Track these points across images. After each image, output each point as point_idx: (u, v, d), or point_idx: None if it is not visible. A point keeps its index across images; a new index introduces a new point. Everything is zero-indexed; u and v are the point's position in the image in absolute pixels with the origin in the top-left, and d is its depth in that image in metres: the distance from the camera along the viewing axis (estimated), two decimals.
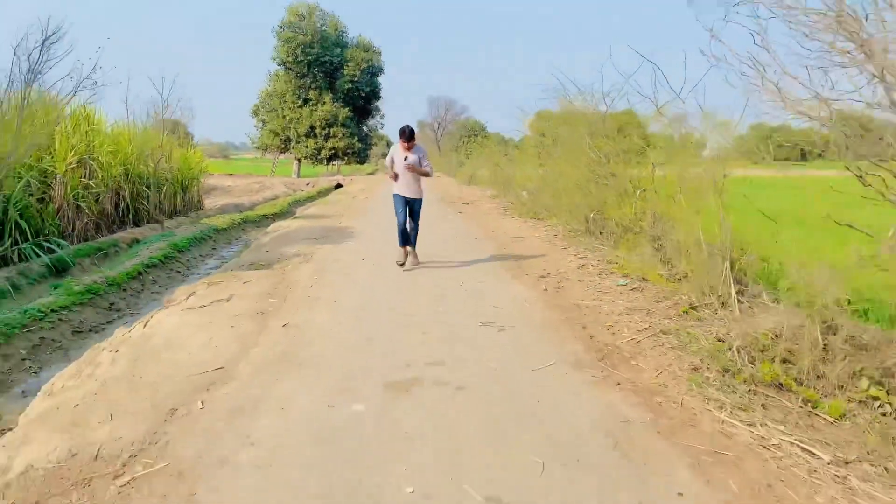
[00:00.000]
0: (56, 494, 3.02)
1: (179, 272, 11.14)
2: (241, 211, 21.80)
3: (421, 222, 8.88)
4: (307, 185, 35.98)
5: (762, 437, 3.65)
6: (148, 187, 17.21)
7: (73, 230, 12.85)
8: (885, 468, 3.35)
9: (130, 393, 4.13)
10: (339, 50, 42.27)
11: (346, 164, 47.93)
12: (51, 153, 12.20)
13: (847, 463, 3.42)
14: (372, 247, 10.37)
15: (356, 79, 42.68)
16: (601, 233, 10.25)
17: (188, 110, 22.67)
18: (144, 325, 5.59)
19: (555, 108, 14.06)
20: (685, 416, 3.92)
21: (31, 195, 10.97)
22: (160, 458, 3.31)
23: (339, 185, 35.13)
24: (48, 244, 10.38)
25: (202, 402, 3.97)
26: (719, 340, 5.01)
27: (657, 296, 6.40)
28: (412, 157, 8.23)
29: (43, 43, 8.94)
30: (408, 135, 8.21)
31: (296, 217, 17.29)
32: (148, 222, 16.69)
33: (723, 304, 5.76)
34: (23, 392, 5.60)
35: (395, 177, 8.37)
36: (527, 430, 3.66)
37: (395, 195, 8.49)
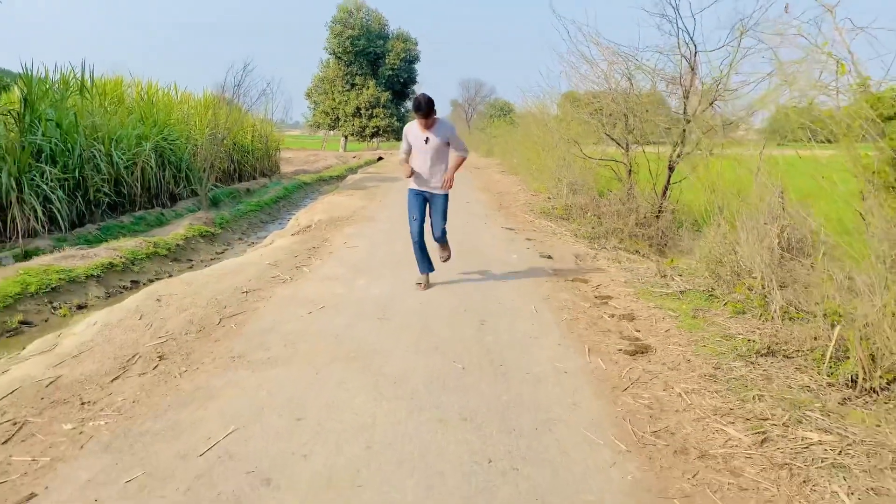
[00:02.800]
0: (314, 230, 9.86)
1: (294, 203, 18.13)
2: (309, 175, 28.79)
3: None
4: (353, 157, 42.84)
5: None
6: (247, 154, 24.15)
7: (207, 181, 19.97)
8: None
9: (338, 210, 10.99)
10: (381, 42, 48.88)
11: (385, 140, 54.53)
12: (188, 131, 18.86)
13: (577, 237, 10.01)
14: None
15: (396, 66, 49.28)
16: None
17: (265, 93, 29.32)
18: (320, 202, 12.62)
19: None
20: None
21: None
22: (350, 219, 10.14)
23: (380, 158, 42.09)
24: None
25: (355, 211, 10.84)
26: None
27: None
28: (434, 140, 6.05)
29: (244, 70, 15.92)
30: (425, 108, 5.83)
31: (355, 174, 24.32)
32: (251, 178, 23.66)
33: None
34: (250, 241, 12.59)
35: (411, 173, 6.19)
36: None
37: (410, 191, 6.39)
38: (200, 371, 4.17)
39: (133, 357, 4.41)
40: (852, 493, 2.72)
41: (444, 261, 6.88)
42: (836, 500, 2.70)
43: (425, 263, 6.49)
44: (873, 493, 2.70)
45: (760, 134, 8.16)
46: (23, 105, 11.30)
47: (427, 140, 6.00)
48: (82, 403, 3.70)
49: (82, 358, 4.38)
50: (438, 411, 3.58)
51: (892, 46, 4.42)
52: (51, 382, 3.96)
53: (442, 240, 6.54)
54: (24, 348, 5.00)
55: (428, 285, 6.53)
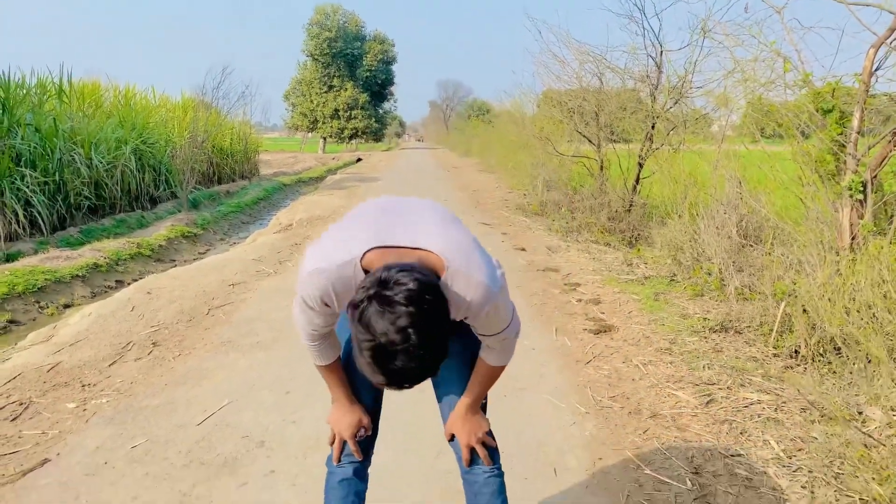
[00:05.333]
0: (297, 227, 10.12)
1: (274, 204, 18.35)
2: (288, 176, 28.97)
3: None
4: (333, 158, 43.00)
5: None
6: (226, 156, 24.28)
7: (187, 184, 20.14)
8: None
9: (318, 209, 11.25)
10: (358, 43, 49.11)
11: (363, 142, 54.70)
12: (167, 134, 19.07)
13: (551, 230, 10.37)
14: (394, 179, 17.58)
15: (373, 68, 49.54)
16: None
17: (243, 96, 29.41)
18: (299, 202, 12.86)
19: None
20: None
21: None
22: (331, 217, 10.43)
23: (359, 159, 42.30)
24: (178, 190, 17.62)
25: (335, 210, 11.13)
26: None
27: None
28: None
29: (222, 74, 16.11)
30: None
31: (335, 175, 24.56)
32: (230, 181, 23.81)
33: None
34: (232, 241, 12.83)
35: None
36: None
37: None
38: (193, 355, 4.45)
39: (128, 344, 4.67)
40: (780, 441, 3.08)
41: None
42: (767, 446, 3.06)
43: None
44: (800, 440, 3.06)
45: (737, 130, 8.55)
46: (1, 110, 11.45)
47: None
48: (83, 385, 3.97)
49: (79, 346, 4.64)
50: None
51: (839, 45, 4.81)
52: (51, 368, 4.22)
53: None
54: (16, 344, 5.24)
55: None
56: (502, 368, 1.85)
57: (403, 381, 1.38)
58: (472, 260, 1.57)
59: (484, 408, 1.99)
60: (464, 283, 1.54)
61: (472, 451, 1.88)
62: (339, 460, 1.94)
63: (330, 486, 1.94)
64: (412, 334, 1.30)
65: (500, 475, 1.91)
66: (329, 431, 1.96)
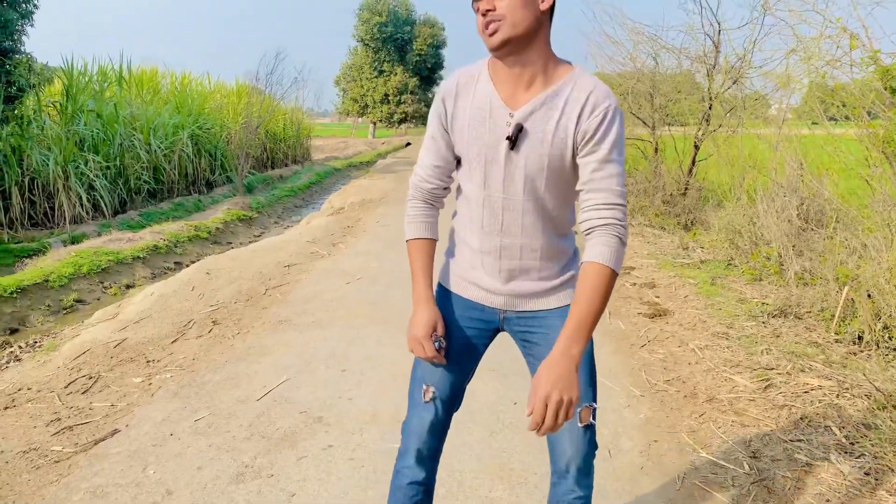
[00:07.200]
0: (351, 210, 10.25)
1: (326, 188, 18.58)
2: (339, 160, 29.28)
3: None
4: (382, 143, 43.33)
5: None
6: (279, 141, 24.62)
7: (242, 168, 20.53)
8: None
9: (369, 192, 11.38)
10: (408, 28, 49.07)
11: (413, 126, 54.76)
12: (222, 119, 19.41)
13: None
14: None
15: (423, 52, 49.47)
16: None
17: (296, 82, 29.79)
18: (350, 186, 13.02)
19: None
20: None
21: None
22: (381, 200, 10.51)
23: (408, 144, 42.49)
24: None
25: (385, 193, 11.21)
26: None
27: None
28: (539, 137, 1.55)
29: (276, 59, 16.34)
30: None
31: (385, 159, 24.74)
32: (283, 165, 24.16)
33: None
34: (286, 224, 13.04)
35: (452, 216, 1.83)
36: None
37: (438, 297, 1.83)
38: (251, 333, 4.57)
39: (189, 322, 4.82)
40: (843, 427, 3.00)
41: None
42: (829, 432, 2.98)
43: None
44: (863, 427, 2.98)
45: (796, 112, 8.29)
46: (65, 97, 11.85)
47: (515, 132, 1.56)
48: (147, 361, 4.11)
49: (143, 324, 4.80)
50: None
51: None
52: (117, 344, 4.38)
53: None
54: (83, 322, 5.45)
55: None
56: (614, 278, 1.52)
57: None
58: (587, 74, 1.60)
59: (593, 435, 1.69)
60: (591, 78, 1.56)
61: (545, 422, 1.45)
62: (429, 397, 1.74)
63: (397, 486, 1.79)
64: None
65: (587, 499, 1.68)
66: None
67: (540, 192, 1.61)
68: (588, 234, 1.57)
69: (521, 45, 1.51)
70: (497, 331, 1.81)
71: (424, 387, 1.75)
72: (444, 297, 1.81)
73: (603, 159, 1.52)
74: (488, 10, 1.48)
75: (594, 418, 1.66)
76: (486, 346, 1.83)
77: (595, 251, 1.52)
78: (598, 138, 1.51)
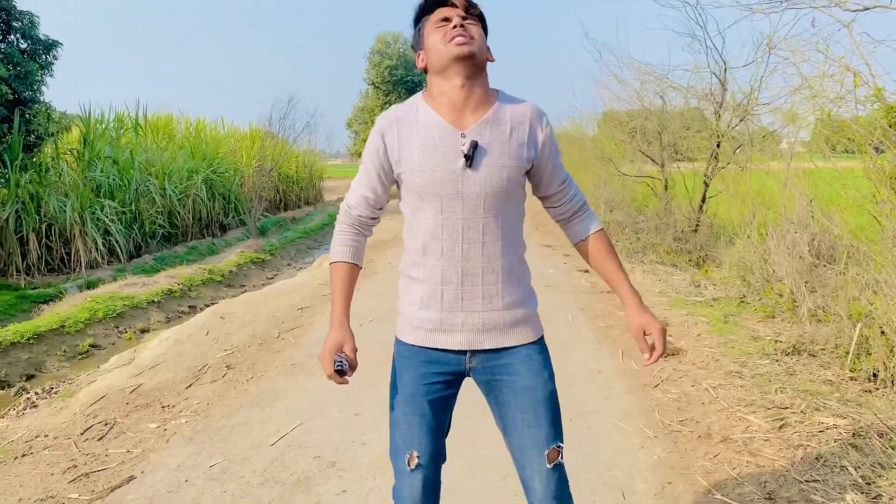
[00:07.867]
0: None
1: None
2: None
3: None
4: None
5: None
6: (292, 183, 24.92)
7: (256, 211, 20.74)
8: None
9: (381, 233, 11.45)
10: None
11: None
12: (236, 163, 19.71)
13: None
14: None
15: None
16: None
17: (308, 126, 30.24)
18: None
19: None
20: None
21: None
22: (393, 241, 10.55)
23: None
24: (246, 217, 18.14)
25: (396, 234, 11.25)
26: None
27: None
28: (491, 149, 1.66)
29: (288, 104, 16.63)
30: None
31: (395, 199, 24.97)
32: (296, 207, 24.41)
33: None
34: (299, 266, 13.11)
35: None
36: None
37: (400, 349, 1.91)
38: (265, 377, 4.60)
39: (203, 367, 4.86)
40: (859, 467, 2.98)
41: None
42: (845, 472, 2.96)
43: None
44: (880, 467, 2.96)
45: (806, 146, 8.34)
46: (82, 144, 12.12)
47: (471, 149, 1.64)
48: (163, 406, 4.14)
49: (158, 369, 4.84)
50: (481, 405, 3.93)
51: None
52: (133, 390, 4.42)
53: None
54: (99, 367, 5.50)
55: None
56: (607, 236, 1.85)
57: None
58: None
59: (563, 472, 1.80)
60: (518, 98, 1.80)
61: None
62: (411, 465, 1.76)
63: None
64: None
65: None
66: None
67: (500, 206, 1.70)
68: (571, 218, 1.86)
69: (479, 69, 1.70)
70: (464, 376, 1.85)
71: (408, 455, 1.77)
72: (406, 356, 1.85)
73: (557, 164, 1.80)
74: (464, 24, 1.67)
75: (562, 457, 1.77)
76: (457, 394, 1.89)
77: (586, 224, 1.85)
78: (550, 147, 1.75)
